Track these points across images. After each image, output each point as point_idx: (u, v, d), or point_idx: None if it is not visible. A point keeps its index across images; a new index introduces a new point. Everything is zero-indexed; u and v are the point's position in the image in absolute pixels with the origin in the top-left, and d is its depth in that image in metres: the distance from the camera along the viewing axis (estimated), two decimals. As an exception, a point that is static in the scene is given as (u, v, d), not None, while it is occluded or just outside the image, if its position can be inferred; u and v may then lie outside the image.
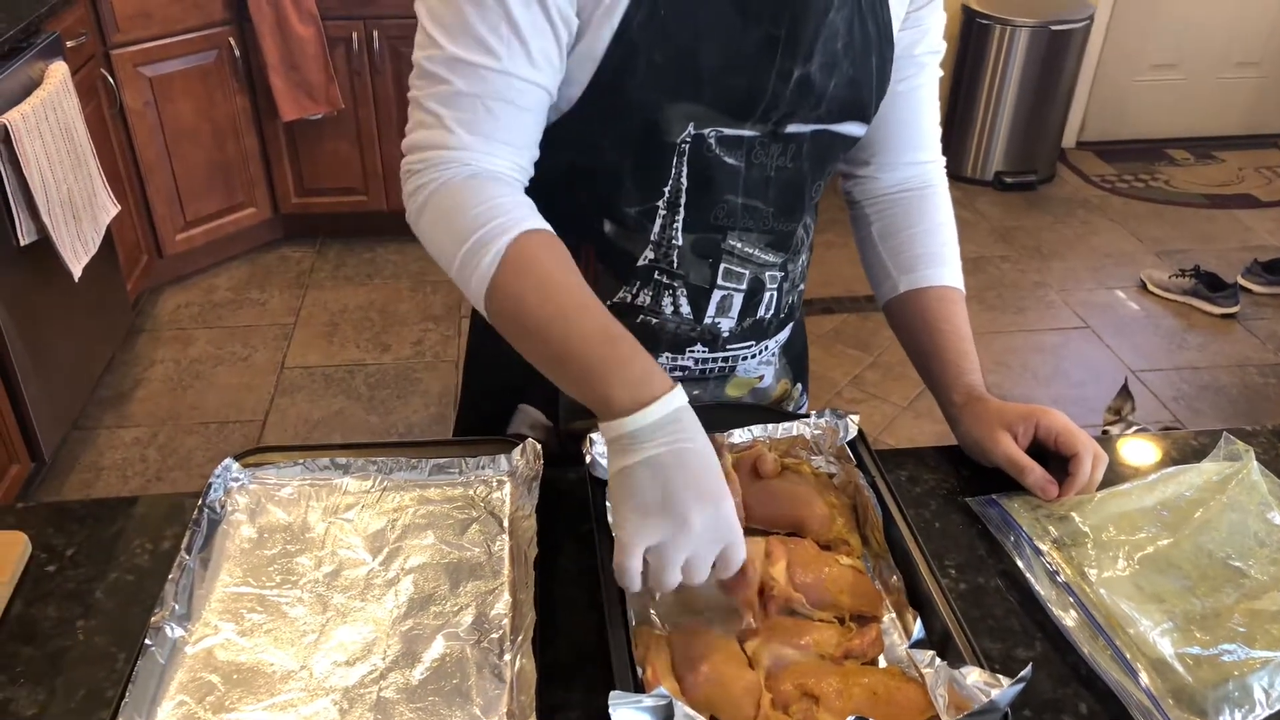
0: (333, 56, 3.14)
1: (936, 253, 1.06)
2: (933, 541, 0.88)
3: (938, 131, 1.08)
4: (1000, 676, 0.67)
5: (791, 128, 0.91)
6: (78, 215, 2.36)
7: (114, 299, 2.80)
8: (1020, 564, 0.85)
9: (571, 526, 0.86)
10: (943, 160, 1.10)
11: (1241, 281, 3.30)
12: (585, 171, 0.91)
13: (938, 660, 0.72)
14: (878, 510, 0.84)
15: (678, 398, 0.73)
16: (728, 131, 0.88)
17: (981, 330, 3.12)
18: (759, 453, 0.90)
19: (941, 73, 1.06)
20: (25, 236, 2.19)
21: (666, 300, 0.97)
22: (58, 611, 0.80)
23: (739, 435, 0.92)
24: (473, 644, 0.76)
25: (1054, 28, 3.81)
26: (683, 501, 0.70)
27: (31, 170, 2.15)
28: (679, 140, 0.87)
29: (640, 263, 0.95)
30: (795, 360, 1.15)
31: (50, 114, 2.25)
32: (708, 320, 1.00)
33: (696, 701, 0.71)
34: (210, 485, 0.87)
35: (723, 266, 0.97)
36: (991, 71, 3.92)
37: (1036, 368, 2.97)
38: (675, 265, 0.95)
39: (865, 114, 0.96)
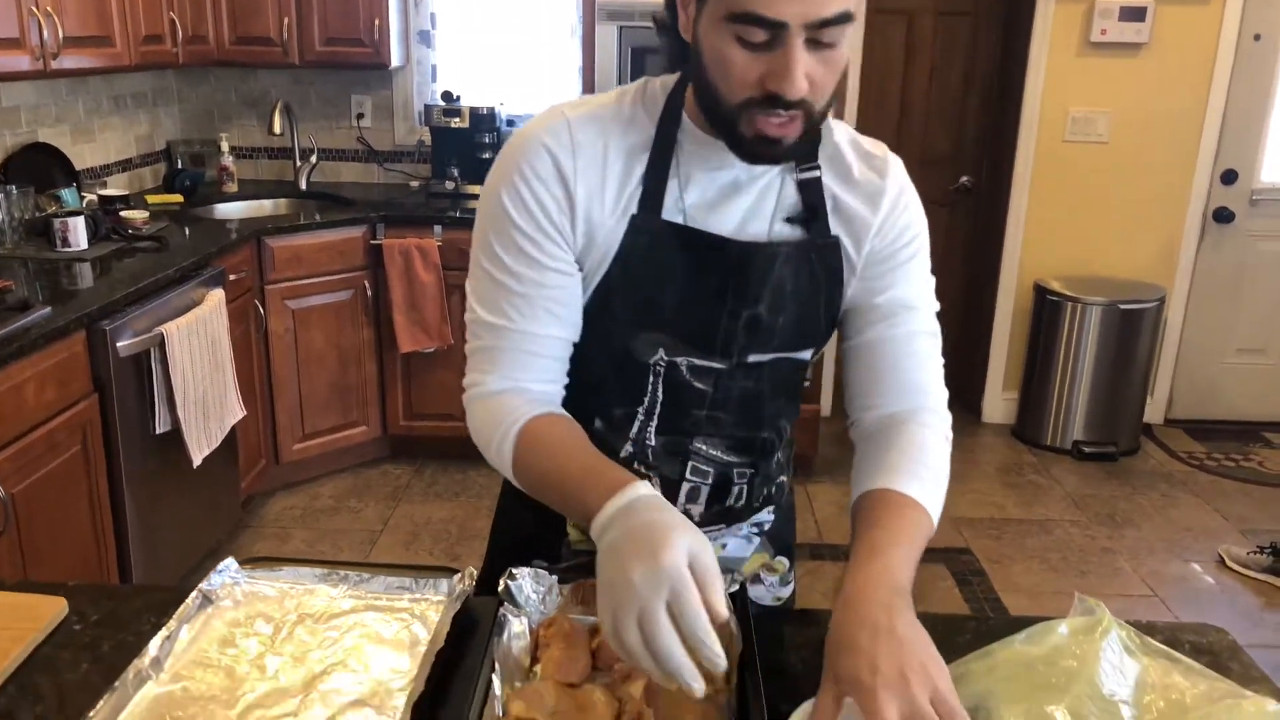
0: (448, 300, 3.62)
1: (896, 465, 1.05)
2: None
3: (926, 386, 1.12)
4: None
5: (752, 358, 1.11)
6: (207, 413, 2.77)
7: (227, 495, 3.15)
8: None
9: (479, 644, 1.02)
10: (940, 411, 1.12)
11: (1326, 562, 3.18)
12: (584, 381, 1.13)
13: None
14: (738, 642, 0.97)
15: (634, 489, 0.88)
16: (698, 362, 1.10)
17: (1038, 589, 3.10)
18: None
19: (932, 335, 1.12)
20: (159, 426, 2.59)
21: None
22: (71, 655, 1.01)
23: None
24: None
25: (1123, 307, 3.98)
26: (627, 566, 0.80)
27: (176, 372, 2.58)
28: (652, 362, 1.11)
29: (622, 455, 1.15)
30: (776, 537, 1.30)
31: (201, 329, 2.71)
32: (679, 507, 1.17)
33: None
34: (209, 576, 1.08)
35: (690, 464, 1.16)
36: (1065, 345, 4.08)
37: (1095, 631, 2.90)
38: (650, 459, 1.16)
39: (817, 342, 1.15)
